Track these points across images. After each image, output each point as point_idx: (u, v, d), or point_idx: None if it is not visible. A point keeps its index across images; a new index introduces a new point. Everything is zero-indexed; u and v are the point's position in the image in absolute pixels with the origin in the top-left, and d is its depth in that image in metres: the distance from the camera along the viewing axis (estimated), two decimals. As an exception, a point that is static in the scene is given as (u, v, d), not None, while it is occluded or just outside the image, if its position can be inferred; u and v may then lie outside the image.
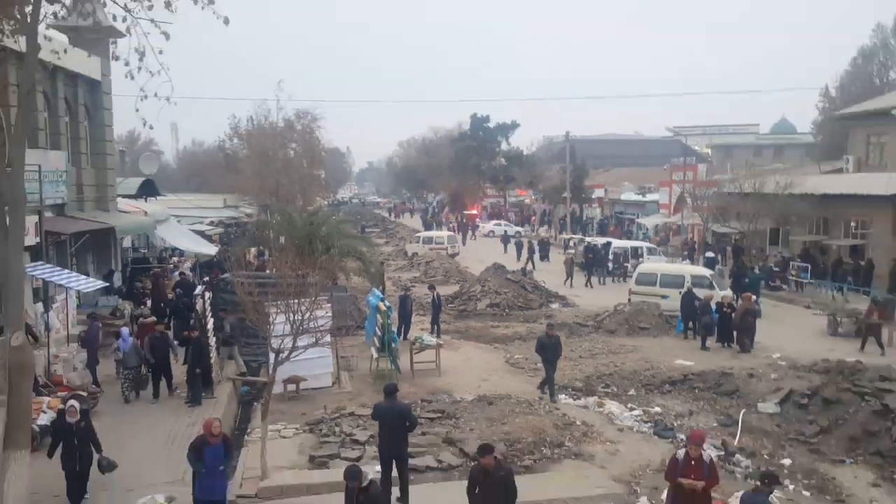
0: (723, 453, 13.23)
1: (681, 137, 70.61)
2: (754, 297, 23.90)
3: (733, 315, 21.84)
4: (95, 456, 11.07)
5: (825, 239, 35.75)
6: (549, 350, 16.56)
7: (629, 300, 26.20)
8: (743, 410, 15.27)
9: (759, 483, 8.70)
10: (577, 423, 14.48)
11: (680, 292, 23.98)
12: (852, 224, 34.73)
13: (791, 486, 12.05)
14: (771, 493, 8.61)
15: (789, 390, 16.10)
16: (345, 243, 23.81)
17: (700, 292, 23.49)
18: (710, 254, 37.88)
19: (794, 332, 23.73)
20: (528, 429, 13.58)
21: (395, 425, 10.89)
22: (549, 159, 79.88)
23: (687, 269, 28.35)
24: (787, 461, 13.16)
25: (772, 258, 36.59)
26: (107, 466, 11.15)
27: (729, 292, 24.68)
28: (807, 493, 12.01)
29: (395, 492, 10.89)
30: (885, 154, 39.78)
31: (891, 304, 24.75)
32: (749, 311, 21.77)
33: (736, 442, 13.83)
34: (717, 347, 21.47)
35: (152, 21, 10.73)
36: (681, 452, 9.71)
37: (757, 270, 33.09)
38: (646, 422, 15.18)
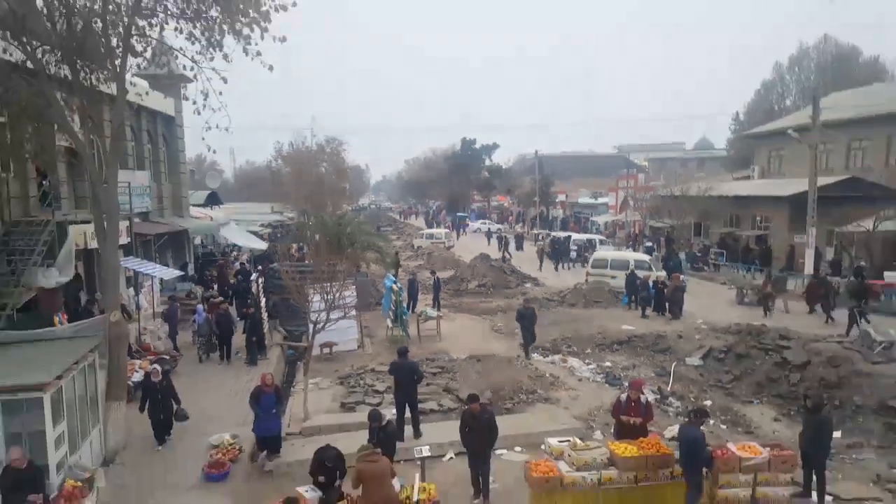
0: (659, 397, 13.31)
1: (625, 153, 70.42)
2: (681, 276, 23.97)
3: (666, 290, 21.90)
4: (175, 407, 11.13)
5: (737, 230, 35.76)
6: (525, 319, 16.59)
7: (587, 280, 26.20)
8: (674, 364, 15.37)
9: (692, 417, 8.77)
10: (546, 375, 14.54)
11: (625, 273, 24.01)
12: (757, 219, 34.72)
13: (712, 422, 12.12)
14: (701, 424, 8.66)
15: (710, 347, 16.17)
16: (365, 239, 23.82)
17: (640, 273, 23.51)
18: (648, 243, 37.92)
19: (712, 303, 23.77)
20: (508, 380, 13.64)
21: (406, 379, 10.98)
22: (522, 172, 79.56)
23: (631, 256, 28.27)
24: (708, 402, 13.23)
25: (695, 246, 36.56)
26: (181, 417, 11.20)
27: (662, 273, 24.69)
28: (724, 427, 12.10)
29: (408, 430, 10.97)
30: (782, 164, 39.81)
31: (781, 279, 25.00)
32: (678, 287, 21.81)
33: (668, 388, 13.90)
34: (653, 316, 21.49)
35: (213, 69, 10.73)
36: (624, 396, 9.80)
37: (683, 256, 33.17)
38: (599, 373, 15.24)
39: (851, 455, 10.38)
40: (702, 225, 38.81)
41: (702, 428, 8.49)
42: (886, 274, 23.95)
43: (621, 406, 9.65)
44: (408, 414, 11.04)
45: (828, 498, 8.84)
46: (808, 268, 26.62)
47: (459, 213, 68.85)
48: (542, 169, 64.08)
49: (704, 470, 8.42)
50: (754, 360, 14.86)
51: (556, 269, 34.19)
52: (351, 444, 8.12)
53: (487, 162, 79.77)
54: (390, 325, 18.53)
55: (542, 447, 9.77)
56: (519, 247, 43.45)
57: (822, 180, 27.58)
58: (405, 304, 19.57)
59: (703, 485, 8.40)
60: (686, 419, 9.16)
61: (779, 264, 29.55)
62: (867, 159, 34.60)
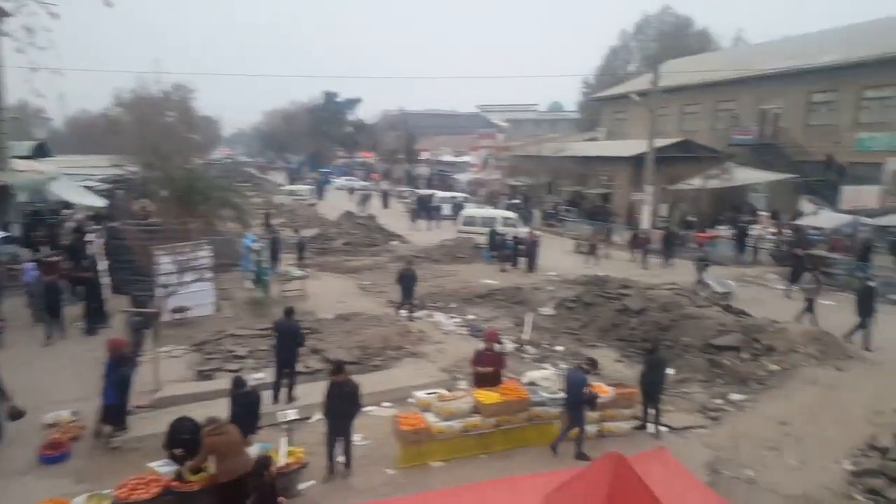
0: (517, 345, 13.98)
1: (485, 113, 71.95)
2: (536, 232, 25.21)
3: (523, 246, 22.92)
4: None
5: (584, 189, 38.02)
6: (405, 280, 16.47)
7: (456, 237, 26.72)
8: (530, 314, 16.14)
9: (583, 364, 9.40)
10: (414, 330, 14.67)
11: (490, 231, 24.77)
12: (603, 178, 37.09)
13: (565, 365, 12.97)
14: (588, 372, 9.26)
15: (561, 298, 17.18)
16: (219, 195, 22.32)
17: (502, 230, 24.40)
18: (514, 200, 38.87)
19: (562, 256, 25.27)
20: (377, 337, 13.59)
21: (286, 339, 10.65)
22: (386, 128, 78.83)
23: (499, 213, 29.17)
24: (560, 347, 14.08)
25: (549, 203, 38.39)
26: (16, 415, 9.30)
27: (522, 229, 25.77)
28: (574, 370, 12.96)
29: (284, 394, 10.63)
30: (626, 127, 42.75)
31: (607, 230, 28.79)
32: (533, 242, 22.91)
33: (525, 336, 14.57)
34: (511, 270, 22.43)
35: (38, 1, 9.29)
36: (481, 346, 10.20)
37: (537, 213, 34.85)
38: (463, 326, 15.66)
39: (681, 389, 11.57)
40: (552, 184, 40.74)
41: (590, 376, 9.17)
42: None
43: (478, 356, 10.08)
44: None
45: (662, 428, 9.82)
46: (646, 222, 29.08)
47: (323, 169, 66.98)
48: (406, 126, 63.85)
49: (586, 406, 9.08)
50: (600, 307, 15.98)
51: (421, 226, 34.49)
52: (209, 413, 7.67)
53: (351, 117, 78.03)
54: (251, 286, 17.71)
55: (410, 401, 9.92)
56: (385, 204, 43.24)
57: (659, 142, 29.97)
58: (266, 264, 18.76)
59: (583, 419, 9.11)
60: (578, 365, 9.82)
61: (620, 220, 32.01)
62: (697, 123, 38.13)
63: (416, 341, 13.98)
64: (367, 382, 9.16)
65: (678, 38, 58.19)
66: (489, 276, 20.97)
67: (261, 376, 11.03)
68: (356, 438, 8.74)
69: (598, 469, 3.85)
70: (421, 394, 9.73)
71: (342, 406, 8.31)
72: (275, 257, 20.92)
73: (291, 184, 57.50)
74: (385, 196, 45.35)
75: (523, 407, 9.36)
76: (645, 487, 3.67)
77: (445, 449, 8.93)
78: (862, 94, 29.16)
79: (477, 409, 9.25)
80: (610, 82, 53.61)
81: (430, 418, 9.06)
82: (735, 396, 11.04)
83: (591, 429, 9.64)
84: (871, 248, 21.82)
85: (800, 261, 20.18)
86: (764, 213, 29.13)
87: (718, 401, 10.58)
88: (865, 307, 14.29)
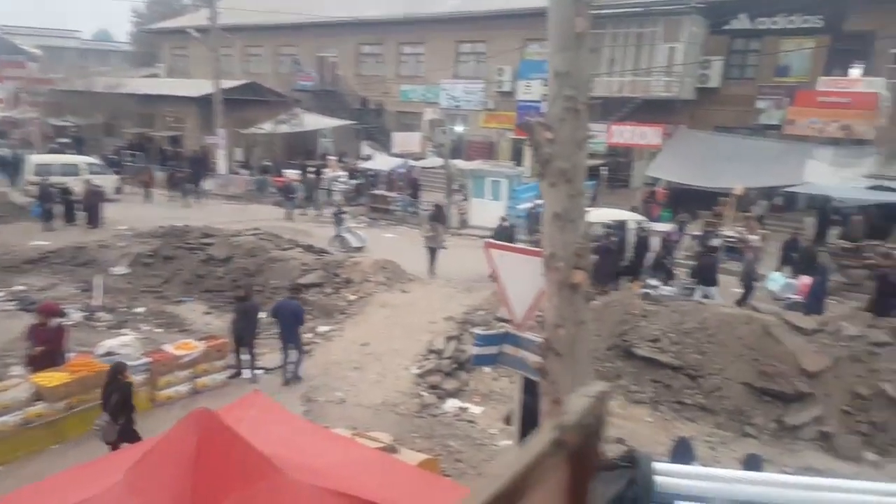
0: (87, 313, 12.29)
1: (8, 36, 58.38)
2: (98, 182, 22.12)
3: (81, 198, 19.94)
4: None
5: (150, 131, 34.98)
6: None
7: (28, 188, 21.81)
8: (99, 276, 14.30)
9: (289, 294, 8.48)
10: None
11: (41, 181, 20.52)
12: (170, 119, 34.70)
13: (147, 327, 12.00)
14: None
15: (136, 254, 15.68)
16: None
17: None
18: (62, 142, 32.82)
19: (132, 206, 23.00)
20: None
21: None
22: None
23: (79, 159, 25.13)
24: (141, 309, 12.98)
25: (109, 147, 34.08)
26: None
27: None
28: (160, 330, 12.14)
29: None
30: (188, 65, 40.42)
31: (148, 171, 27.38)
32: (93, 192, 20.11)
33: (95, 302, 12.93)
34: (66, 227, 19.34)
35: None
36: (35, 321, 8.69)
37: (97, 159, 30.54)
38: (10, 300, 12.94)
39: (273, 331, 11.94)
40: (113, 125, 36.31)
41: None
42: (285, 171, 27.78)
43: (31, 334, 8.54)
44: None
45: (258, 372, 10.09)
46: (222, 167, 28.52)
47: None
48: None
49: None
50: (182, 260, 15.21)
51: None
52: None
53: None
54: None
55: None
56: None
57: (226, 84, 29.35)
58: None
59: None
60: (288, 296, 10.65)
61: (198, 165, 30.46)
62: (262, 66, 38.51)
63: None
64: None
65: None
66: (39, 237, 17.65)
67: None
68: None
69: (182, 430, 3.66)
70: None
71: None
72: None
73: None
74: None
75: (99, 382, 8.34)
76: (236, 436, 3.67)
77: (4, 449, 7.43)
78: (400, 49, 33.83)
79: (40, 396, 7.87)
80: (164, 14, 49.56)
81: (-26, 420, 7.33)
82: (322, 328, 12.00)
83: (184, 388, 9.26)
84: (419, 185, 25.98)
85: (376, 200, 22.97)
86: (332, 158, 31.71)
87: (309, 335, 11.34)
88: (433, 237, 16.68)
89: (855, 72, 21.39)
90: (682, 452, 6.76)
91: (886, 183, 18.86)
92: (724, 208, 20.26)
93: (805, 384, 9.42)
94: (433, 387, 9.79)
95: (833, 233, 19.42)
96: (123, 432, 7.19)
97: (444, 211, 20.40)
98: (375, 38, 34.14)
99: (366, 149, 31.35)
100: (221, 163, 28.73)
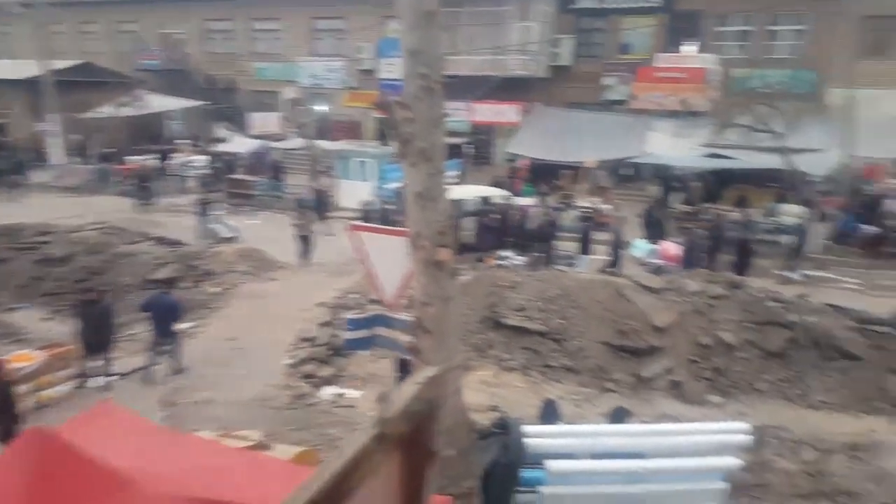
0: None
1: None
2: None
3: None
4: None
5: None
6: None
7: None
8: None
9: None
10: None
11: None
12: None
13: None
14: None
15: (-45, 259, 13.88)
16: None
17: None
18: None
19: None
20: None
21: None
22: None
23: None
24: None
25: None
26: None
27: None
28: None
29: None
30: (11, 43, 35.97)
31: None
32: None
33: None
34: None
35: None
36: None
37: None
38: None
39: (126, 332, 11.07)
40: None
41: None
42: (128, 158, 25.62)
43: None
44: None
45: (111, 378, 9.33)
46: (58, 157, 25.85)
47: None
48: None
49: None
50: (13, 262, 13.70)
51: None
52: None
53: None
54: None
55: None
56: None
57: (57, 64, 26.56)
58: None
59: None
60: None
61: (28, 155, 27.27)
62: (99, 45, 35.16)
63: None
64: None
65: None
66: None
67: None
68: None
69: (12, 455, 3.28)
70: None
71: None
72: None
73: None
74: None
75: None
76: (78, 454, 3.35)
77: None
78: (252, 25, 32.23)
79: None
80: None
81: None
82: (182, 325, 11.28)
83: (23, 405, 8.34)
84: (281, 168, 25.01)
85: (234, 185, 21.78)
86: (184, 141, 29.67)
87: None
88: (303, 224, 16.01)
89: (688, 48, 23.31)
90: (549, 413, 7.13)
91: (719, 151, 20.83)
92: (567, 181, 21.62)
93: (656, 339, 10.26)
94: (308, 376, 9.56)
95: (675, 198, 21.20)
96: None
97: (324, 196, 19.66)
98: (225, 14, 32.26)
99: (220, 131, 29.71)
100: (55, 152, 25.98)
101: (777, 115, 18.82)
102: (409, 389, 1.02)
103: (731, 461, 5.01)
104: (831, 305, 10.79)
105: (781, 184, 19.84)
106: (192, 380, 9.41)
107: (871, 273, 15.54)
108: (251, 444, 5.81)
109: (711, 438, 5.27)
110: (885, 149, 19.80)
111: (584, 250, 14.88)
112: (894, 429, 8.69)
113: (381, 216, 15.90)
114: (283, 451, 5.91)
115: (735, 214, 17.59)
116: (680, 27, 23.85)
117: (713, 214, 17.37)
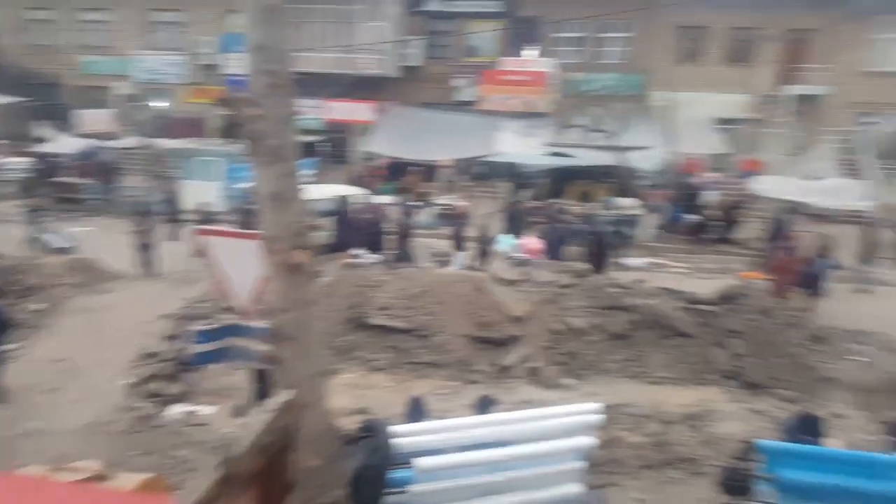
0: None
1: None
2: None
3: None
4: None
5: None
6: None
7: None
8: None
9: None
10: None
11: None
12: None
13: None
14: None
15: None
16: None
17: None
18: None
19: None
20: None
21: None
22: None
23: None
24: None
25: None
26: None
27: None
28: None
29: None
30: None
31: None
32: None
33: None
34: None
35: None
36: None
37: None
38: None
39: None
40: None
41: None
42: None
43: None
44: None
45: None
46: None
47: None
48: None
49: None
50: None
51: None
52: None
53: None
54: None
55: None
56: None
57: None
58: None
59: None
60: None
61: None
62: None
63: None
64: None
65: None
66: None
67: None
68: None
69: None
70: None
71: None
72: None
73: None
74: None
75: None
76: None
77: None
78: (77, 16, 29.18)
79: None
80: None
81: None
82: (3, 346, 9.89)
83: None
84: (115, 170, 22.78)
85: (61, 189, 19.46)
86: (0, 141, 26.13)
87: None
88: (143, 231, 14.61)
89: (529, 53, 24.49)
90: (416, 411, 7.10)
91: (561, 150, 22.11)
92: (416, 178, 22.07)
93: (514, 328, 10.64)
94: (153, 395, 8.76)
95: (524, 195, 22.20)
96: None
97: (168, 199, 18.05)
98: (44, 3, 28.89)
99: (43, 130, 26.56)
100: None
101: (609, 115, 20.37)
102: (258, 421, 0.87)
103: (587, 440, 5.25)
104: (664, 289, 11.80)
105: (616, 179, 21.51)
106: (16, 408, 8.27)
107: (694, 258, 17.29)
108: (88, 475, 5.18)
109: (567, 421, 5.49)
110: (701, 145, 22.22)
111: (459, 247, 15.11)
112: (723, 397, 9.69)
113: (242, 218, 15.02)
114: (127, 480, 5.34)
115: (577, 208, 18.77)
116: (521, 32, 24.99)
117: (557, 209, 18.40)
